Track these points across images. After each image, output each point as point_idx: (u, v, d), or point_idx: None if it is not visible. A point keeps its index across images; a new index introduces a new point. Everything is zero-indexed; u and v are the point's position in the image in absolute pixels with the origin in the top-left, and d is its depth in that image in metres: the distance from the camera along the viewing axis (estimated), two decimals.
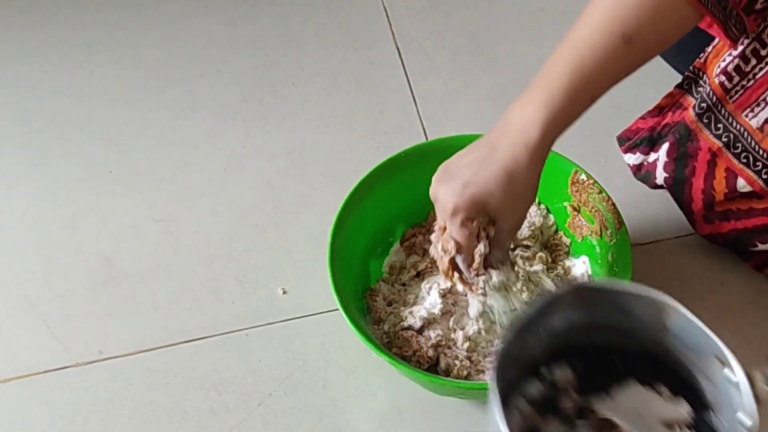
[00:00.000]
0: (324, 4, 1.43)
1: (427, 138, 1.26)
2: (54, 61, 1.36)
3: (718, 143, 1.04)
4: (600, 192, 1.03)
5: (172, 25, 1.41)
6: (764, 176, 1.02)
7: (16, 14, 1.43)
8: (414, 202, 1.08)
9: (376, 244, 1.08)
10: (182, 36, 1.40)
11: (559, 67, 0.89)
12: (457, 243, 0.90)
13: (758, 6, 0.91)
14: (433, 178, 0.92)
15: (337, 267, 0.98)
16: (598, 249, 1.03)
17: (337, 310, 1.03)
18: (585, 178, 1.03)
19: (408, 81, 1.33)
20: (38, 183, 1.22)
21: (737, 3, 0.89)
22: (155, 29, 1.40)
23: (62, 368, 1.05)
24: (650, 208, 1.17)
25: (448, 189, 0.89)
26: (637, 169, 1.18)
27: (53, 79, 1.34)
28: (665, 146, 1.11)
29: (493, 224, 0.90)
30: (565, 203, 1.06)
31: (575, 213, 1.06)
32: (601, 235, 1.03)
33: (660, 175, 1.12)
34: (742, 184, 1.04)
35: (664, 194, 1.16)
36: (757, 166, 1.02)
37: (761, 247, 1.06)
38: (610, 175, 1.19)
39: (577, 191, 1.04)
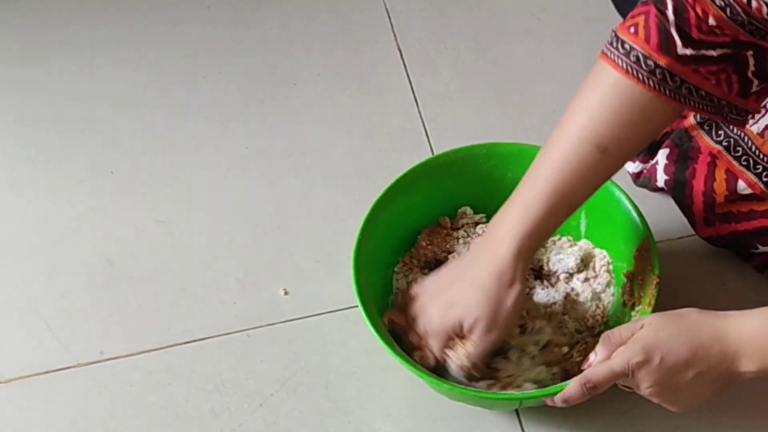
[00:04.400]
0: (326, 6, 1.43)
1: (429, 139, 1.26)
2: (56, 63, 1.36)
3: (718, 147, 1.04)
4: (653, 269, 0.98)
5: (173, 26, 1.41)
6: (764, 179, 1.02)
7: (18, 16, 1.43)
8: (443, 208, 1.09)
9: (408, 243, 1.08)
10: (184, 38, 1.40)
11: (536, 181, 0.90)
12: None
13: (754, 89, 0.90)
14: (419, 290, 0.96)
15: (362, 272, 0.97)
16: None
17: (339, 310, 1.05)
18: (650, 250, 0.99)
19: (410, 82, 1.33)
20: (40, 184, 1.22)
21: (727, 93, 0.89)
22: (157, 31, 1.41)
23: (63, 369, 1.05)
24: (651, 209, 1.16)
25: (432, 309, 0.93)
26: (636, 177, 1.18)
27: (55, 81, 1.34)
28: (664, 150, 1.11)
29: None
30: (624, 265, 1.04)
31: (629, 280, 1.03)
32: (632, 306, 1.01)
33: (660, 178, 1.12)
34: (742, 187, 1.04)
35: (665, 196, 1.16)
36: (758, 168, 1.02)
37: (762, 249, 1.06)
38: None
39: (639, 258, 1.01)
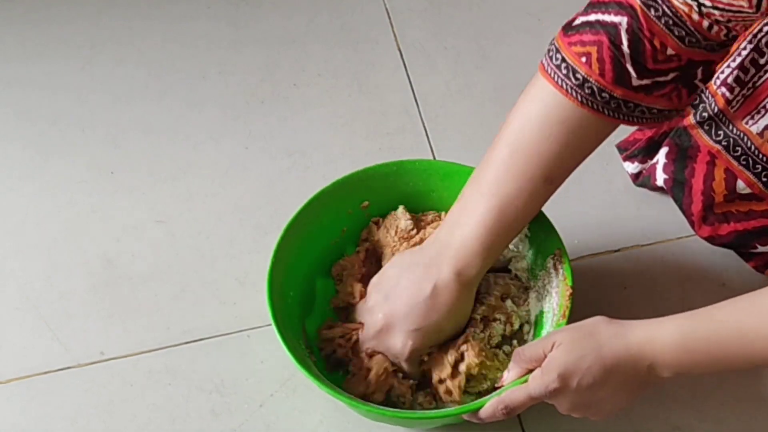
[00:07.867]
0: (326, 5, 1.43)
1: (429, 139, 1.26)
2: (56, 62, 1.36)
3: (718, 146, 1.04)
4: (566, 279, 0.97)
5: (174, 25, 1.41)
6: (764, 179, 1.02)
7: (18, 14, 1.43)
8: (367, 223, 1.08)
9: (325, 262, 1.06)
10: (184, 37, 1.40)
11: (479, 213, 0.92)
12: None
13: (700, 89, 0.91)
14: (376, 292, 0.97)
15: (276, 286, 0.96)
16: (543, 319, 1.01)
17: None
18: (562, 261, 0.98)
19: (410, 82, 1.33)
20: (40, 183, 1.22)
21: (677, 104, 0.90)
22: (157, 30, 1.41)
23: (63, 369, 1.05)
24: (650, 209, 1.17)
25: (400, 332, 0.94)
26: (635, 177, 1.18)
27: (55, 80, 1.34)
28: (664, 149, 1.11)
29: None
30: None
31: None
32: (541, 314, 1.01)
33: (660, 177, 1.12)
34: (741, 186, 1.04)
35: (665, 195, 1.16)
36: (757, 168, 1.02)
37: (761, 248, 1.06)
38: (610, 177, 1.19)
39: (553, 266, 1.00)
